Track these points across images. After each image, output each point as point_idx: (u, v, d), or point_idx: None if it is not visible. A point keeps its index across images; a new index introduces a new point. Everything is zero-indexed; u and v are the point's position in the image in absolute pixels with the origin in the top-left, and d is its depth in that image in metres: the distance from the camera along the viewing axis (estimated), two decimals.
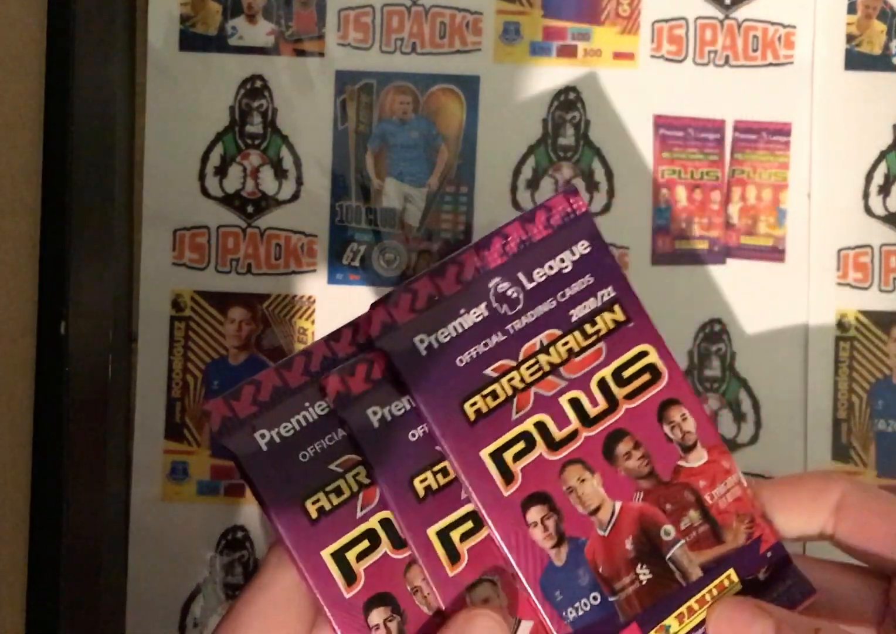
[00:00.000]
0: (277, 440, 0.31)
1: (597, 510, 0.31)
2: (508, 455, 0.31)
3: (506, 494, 0.31)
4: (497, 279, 0.32)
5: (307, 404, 0.31)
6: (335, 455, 0.31)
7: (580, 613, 0.31)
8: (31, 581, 0.41)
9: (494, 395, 0.31)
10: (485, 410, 0.31)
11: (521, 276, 0.32)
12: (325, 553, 0.30)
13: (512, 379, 0.31)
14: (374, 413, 0.31)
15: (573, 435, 0.31)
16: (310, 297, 0.45)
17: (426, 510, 0.31)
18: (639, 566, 0.31)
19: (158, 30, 0.45)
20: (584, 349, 0.32)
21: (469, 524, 0.31)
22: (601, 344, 0.32)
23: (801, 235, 0.45)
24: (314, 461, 0.31)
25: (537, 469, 0.31)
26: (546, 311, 0.32)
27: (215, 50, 0.45)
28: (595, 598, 0.31)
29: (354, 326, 0.32)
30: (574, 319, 0.32)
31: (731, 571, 0.31)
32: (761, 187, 0.45)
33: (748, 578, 0.31)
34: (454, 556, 0.31)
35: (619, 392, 0.32)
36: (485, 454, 0.31)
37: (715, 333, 0.45)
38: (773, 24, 0.46)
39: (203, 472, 0.45)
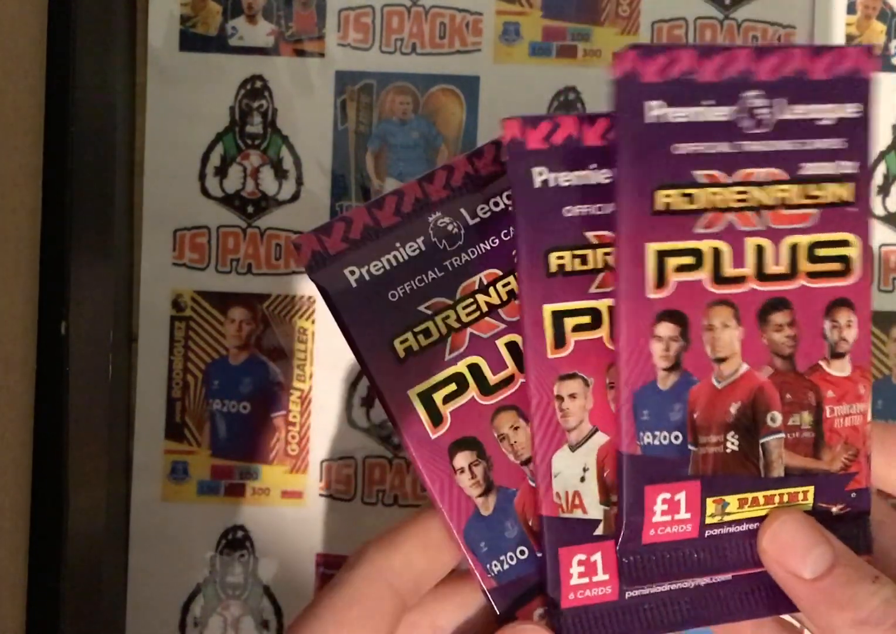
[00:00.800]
0: (367, 278, 0.30)
1: (723, 360, 0.30)
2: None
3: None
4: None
5: (398, 244, 0.30)
6: (425, 297, 0.30)
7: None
8: (31, 581, 0.41)
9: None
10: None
11: (779, 101, 0.30)
12: (412, 393, 0.30)
13: (715, 194, 0.29)
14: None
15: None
16: (310, 297, 0.46)
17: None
18: (731, 433, 0.30)
19: (158, 30, 0.45)
20: (796, 207, 0.30)
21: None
22: (816, 211, 0.30)
23: None
24: (403, 302, 0.30)
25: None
26: (785, 149, 0.30)
27: (215, 50, 0.45)
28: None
29: (449, 168, 0.31)
30: (803, 172, 0.30)
31: (810, 489, 0.30)
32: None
33: (821, 505, 0.30)
34: (436, 418, 0.30)
35: (804, 266, 0.30)
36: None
37: None
38: (772, 24, 0.46)
39: (203, 472, 0.45)
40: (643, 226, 0.29)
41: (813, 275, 0.30)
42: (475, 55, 0.46)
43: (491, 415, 0.30)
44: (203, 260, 0.46)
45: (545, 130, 0.30)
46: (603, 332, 0.30)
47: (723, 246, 0.30)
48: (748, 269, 0.30)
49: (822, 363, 0.31)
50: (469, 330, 0.31)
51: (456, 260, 0.31)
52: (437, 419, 0.30)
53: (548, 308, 0.30)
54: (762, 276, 0.30)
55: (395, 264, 0.30)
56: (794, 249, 0.30)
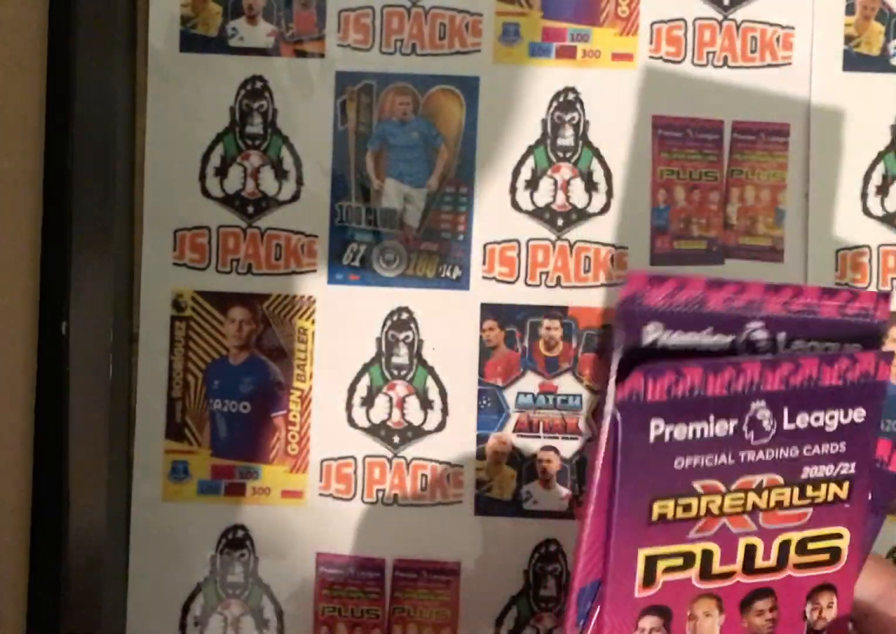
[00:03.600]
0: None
1: None
2: (662, 564, 0.30)
3: (637, 594, 0.30)
4: (762, 404, 0.30)
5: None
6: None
7: None
8: (32, 581, 0.41)
9: (688, 508, 0.30)
10: (669, 517, 0.30)
11: (786, 411, 0.30)
12: (643, 552, 0.30)
13: (712, 501, 0.30)
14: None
15: (728, 575, 0.31)
16: (310, 297, 0.46)
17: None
18: None
19: (159, 31, 0.45)
20: (792, 507, 0.31)
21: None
22: (810, 510, 0.31)
23: (799, 236, 0.46)
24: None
25: (678, 588, 0.31)
26: (786, 456, 0.30)
27: (216, 51, 0.46)
28: None
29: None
30: (802, 476, 0.31)
31: None
32: (759, 188, 0.46)
33: None
34: (649, 581, 0.30)
35: (792, 559, 0.31)
36: (643, 553, 0.30)
37: None
38: (771, 25, 0.46)
39: (203, 471, 0.45)
40: (638, 534, 0.30)
41: (800, 566, 0.31)
42: (475, 56, 0.46)
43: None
44: (203, 260, 0.46)
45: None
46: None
47: (714, 547, 0.31)
48: (737, 565, 0.31)
49: None
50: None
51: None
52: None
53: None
54: (750, 570, 0.31)
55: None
56: (785, 545, 0.31)
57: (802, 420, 0.30)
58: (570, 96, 0.46)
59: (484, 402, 0.45)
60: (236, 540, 0.45)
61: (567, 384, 0.45)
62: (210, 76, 0.46)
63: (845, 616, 0.32)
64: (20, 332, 0.40)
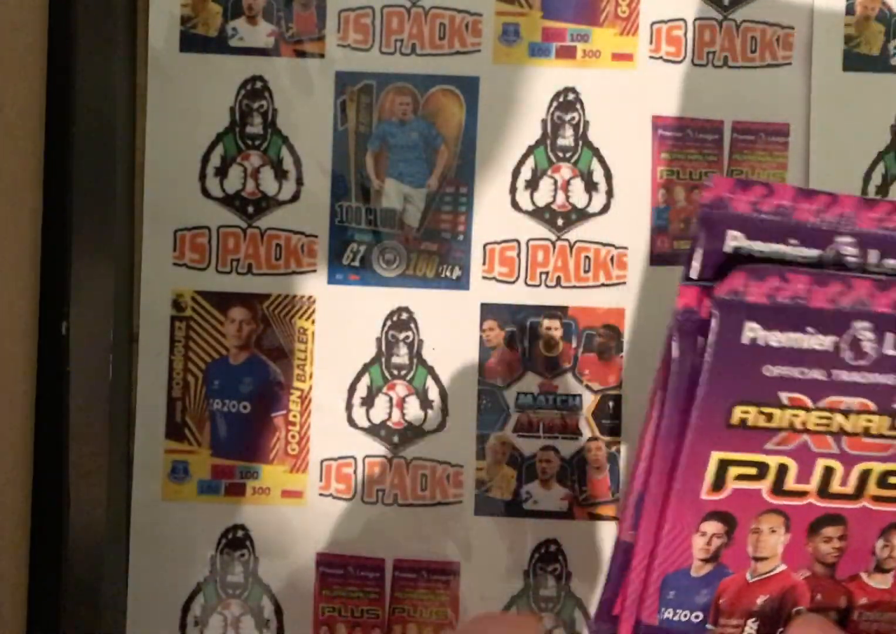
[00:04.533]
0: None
1: (762, 559, 0.30)
2: (734, 471, 0.30)
3: (704, 496, 0.30)
4: (866, 325, 0.29)
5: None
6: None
7: (674, 618, 0.31)
8: (32, 581, 0.41)
9: (769, 417, 0.29)
10: (749, 423, 0.29)
11: (889, 336, 0.29)
12: (716, 455, 0.29)
13: (796, 415, 0.29)
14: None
15: (801, 494, 0.30)
16: (310, 297, 0.46)
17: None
18: (752, 620, 0.31)
19: (159, 31, 0.45)
20: (879, 436, 0.30)
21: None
22: (895, 442, 0.30)
23: None
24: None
25: (747, 498, 0.30)
26: (882, 383, 0.29)
27: (216, 51, 0.46)
28: (697, 617, 0.31)
29: None
30: (894, 405, 0.29)
31: None
32: None
33: None
34: (719, 485, 0.30)
35: (871, 490, 0.30)
36: (716, 456, 0.29)
37: None
38: (771, 25, 0.46)
39: (203, 472, 0.45)
40: (715, 436, 0.29)
41: (878, 499, 0.30)
42: (475, 56, 0.46)
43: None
44: (203, 260, 0.46)
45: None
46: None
47: (791, 463, 0.30)
48: (812, 485, 0.30)
49: (863, 575, 0.31)
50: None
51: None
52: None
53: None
54: (825, 494, 0.30)
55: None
56: (865, 474, 0.30)
57: None
58: (570, 96, 0.46)
59: (484, 402, 0.45)
60: (236, 540, 0.45)
61: (567, 384, 0.45)
62: (210, 76, 0.46)
63: None
64: (20, 332, 0.40)
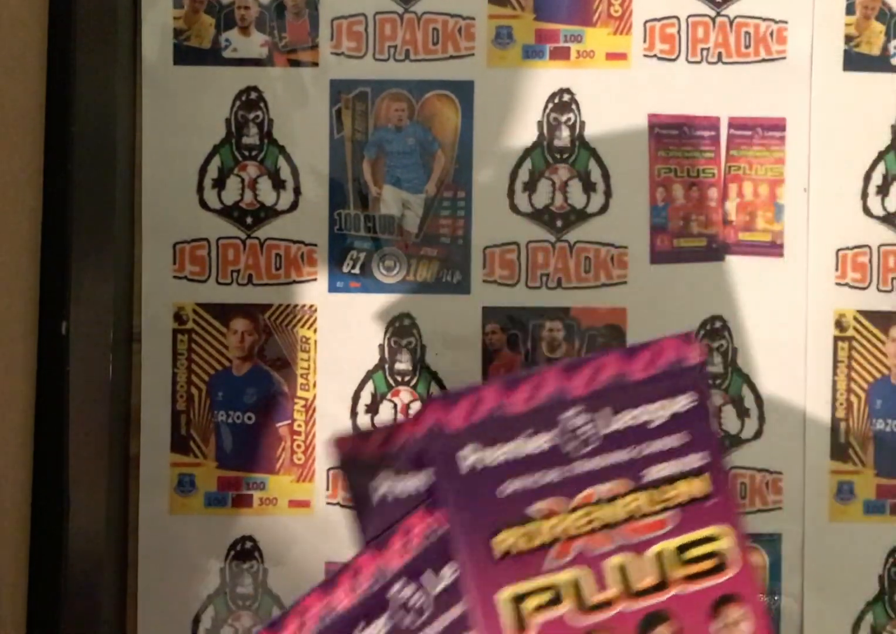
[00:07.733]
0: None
1: None
2: (529, 603, 0.28)
3: None
4: (570, 413, 0.28)
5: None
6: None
7: None
8: (32, 581, 0.41)
9: (530, 537, 0.28)
10: (516, 550, 0.28)
11: (601, 414, 0.28)
12: (501, 595, 0.28)
13: (555, 525, 0.28)
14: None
15: (608, 603, 0.29)
16: (311, 306, 0.46)
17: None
18: None
19: (152, 45, 0.46)
20: (651, 514, 0.29)
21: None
22: (673, 513, 0.29)
23: (800, 230, 0.45)
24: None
25: (557, 628, 0.28)
26: (620, 461, 0.28)
27: (209, 63, 0.46)
28: None
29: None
30: (647, 478, 0.29)
31: None
32: (758, 183, 0.45)
33: None
34: (521, 625, 0.28)
35: (676, 572, 0.29)
36: (501, 595, 0.28)
37: (716, 329, 0.45)
38: (764, 19, 0.46)
39: (210, 484, 0.45)
40: (489, 575, 0.28)
41: (689, 578, 0.29)
42: (469, 60, 0.46)
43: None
44: (203, 272, 0.46)
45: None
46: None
47: (580, 573, 0.28)
48: (614, 589, 0.29)
49: None
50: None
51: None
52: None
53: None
54: (632, 593, 0.29)
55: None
56: (659, 557, 0.29)
57: (622, 420, 0.29)
58: (566, 97, 0.46)
59: None
60: (245, 551, 0.45)
61: None
62: (204, 88, 0.46)
63: (765, 627, 0.29)
64: (20, 332, 0.40)
